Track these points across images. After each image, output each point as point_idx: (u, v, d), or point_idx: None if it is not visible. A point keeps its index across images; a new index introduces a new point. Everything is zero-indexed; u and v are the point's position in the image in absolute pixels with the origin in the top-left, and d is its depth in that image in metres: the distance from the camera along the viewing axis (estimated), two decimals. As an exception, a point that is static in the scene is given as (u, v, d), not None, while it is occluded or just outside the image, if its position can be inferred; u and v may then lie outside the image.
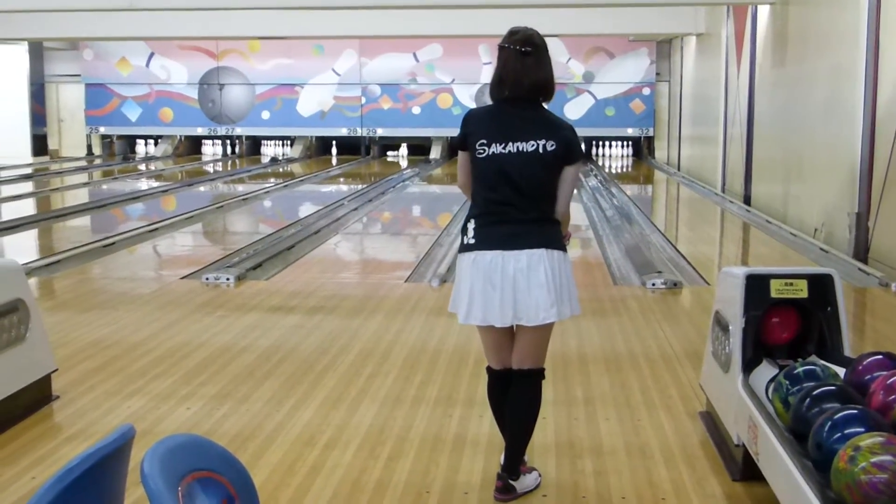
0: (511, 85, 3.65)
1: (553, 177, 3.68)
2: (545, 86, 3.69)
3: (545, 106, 3.75)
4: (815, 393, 3.26)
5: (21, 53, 25.01)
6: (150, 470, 1.81)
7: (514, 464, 3.78)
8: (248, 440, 4.42)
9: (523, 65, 3.64)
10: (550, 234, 3.68)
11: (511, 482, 3.76)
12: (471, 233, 3.70)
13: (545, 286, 3.60)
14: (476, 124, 3.73)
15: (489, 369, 3.94)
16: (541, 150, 3.61)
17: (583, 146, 23.79)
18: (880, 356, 3.52)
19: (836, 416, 3.00)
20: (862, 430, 2.90)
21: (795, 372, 3.52)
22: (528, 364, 3.79)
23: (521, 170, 3.61)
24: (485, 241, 3.66)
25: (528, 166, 3.61)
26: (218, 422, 4.70)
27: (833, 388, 3.30)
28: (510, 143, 3.62)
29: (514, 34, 3.70)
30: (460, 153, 3.79)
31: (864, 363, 3.50)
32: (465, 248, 3.72)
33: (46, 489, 1.73)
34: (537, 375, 3.83)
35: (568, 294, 3.69)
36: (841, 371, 3.63)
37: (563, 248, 3.72)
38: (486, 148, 3.65)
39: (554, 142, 3.62)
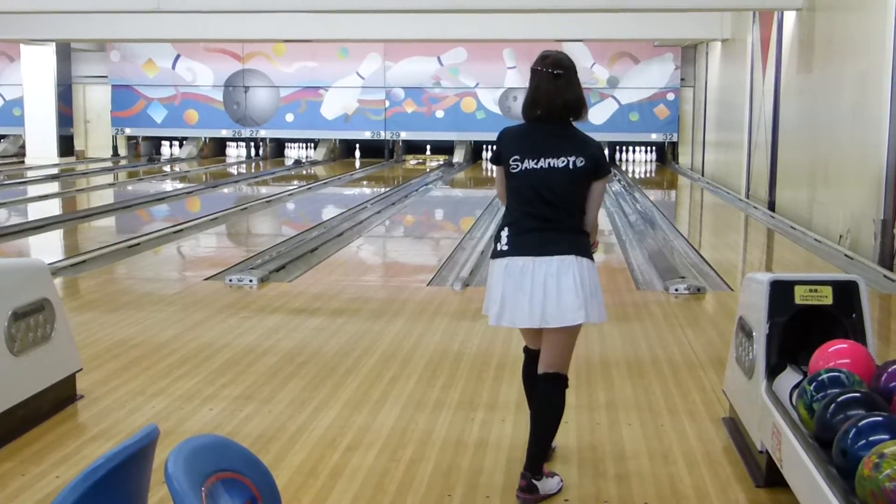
0: (544, 105, 3.86)
1: (582, 190, 3.87)
2: (576, 106, 3.89)
3: (576, 125, 3.95)
4: (839, 399, 3.24)
5: (48, 54, 25.18)
6: (174, 470, 1.82)
7: (536, 463, 3.86)
8: (271, 441, 4.43)
9: (555, 86, 3.85)
10: (579, 242, 3.86)
11: (534, 482, 3.83)
12: (504, 240, 3.89)
13: (573, 290, 3.77)
14: (509, 142, 3.94)
15: (526, 349, 4.19)
16: (571, 167, 3.82)
17: (606, 151, 24.07)
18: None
19: (861, 423, 2.98)
20: (887, 437, 2.88)
21: (820, 378, 3.50)
22: (554, 369, 3.91)
23: (552, 184, 3.82)
24: (517, 248, 3.84)
25: (558, 181, 3.82)
26: (241, 423, 4.71)
27: (858, 394, 3.28)
28: (542, 160, 3.83)
29: (545, 58, 3.92)
30: (496, 168, 4.03)
31: (890, 370, 3.47)
32: (497, 254, 3.91)
33: (71, 488, 1.74)
34: (562, 381, 3.94)
35: (595, 300, 3.84)
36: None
37: (591, 256, 3.89)
38: (518, 163, 3.86)
39: (583, 158, 3.83)
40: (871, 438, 2.90)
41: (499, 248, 3.90)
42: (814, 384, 3.49)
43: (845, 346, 3.70)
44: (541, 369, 3.92)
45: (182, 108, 26.27)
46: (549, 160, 3.81)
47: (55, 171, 21.79)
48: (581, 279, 3.77)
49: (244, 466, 2.02)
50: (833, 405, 3.24)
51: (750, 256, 11.76)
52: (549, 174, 3.80)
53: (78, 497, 1.74)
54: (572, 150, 3.82)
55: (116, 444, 1.84)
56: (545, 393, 3.90)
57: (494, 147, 4.02)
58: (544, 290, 3.76)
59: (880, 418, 3.01)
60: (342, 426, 4.65)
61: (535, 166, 3.82)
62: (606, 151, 24.61)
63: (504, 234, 3.89)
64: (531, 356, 4.12)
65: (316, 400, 5.06)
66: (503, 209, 4.00)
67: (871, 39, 9.93)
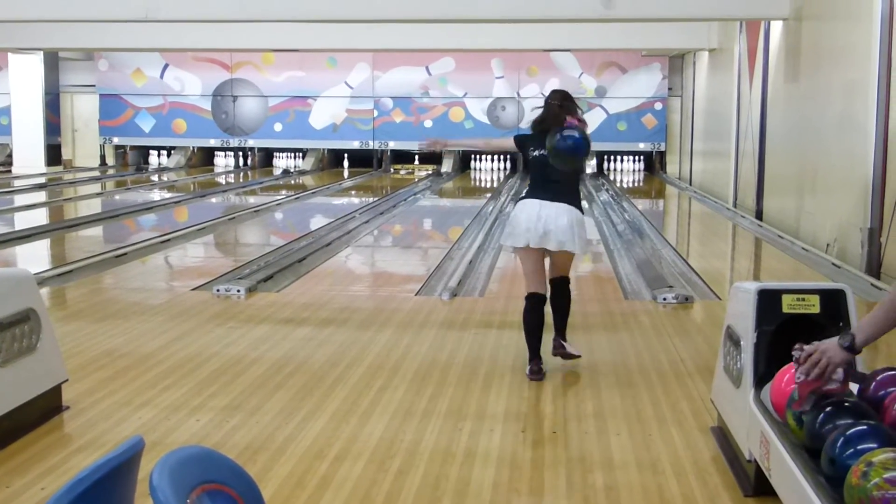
0: (549, 123, 5.87)
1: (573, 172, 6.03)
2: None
3: None
4: (828, 409, 3.24)
5: (36, 63, 25.14)
6: (159, 482, 1.81)
7: (562, 331, 5.92)
8: (258, 452, 4.42)
9: (558, 112, 5.86)
10: (574, 201, 5.85)
11: (563, 342, 5.86)
12: (524, 192, 5.99)
13: (566, 228, 5.70)
14: (526, 138, 6.05)
15: (528, 296, 5.86)
16: None
17: (595, 161, 24.11)
18: (894, 372, 3.49)
19: (850, 432, 2.98)
20: (875, 445, 2.88)
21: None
22: (560, 273, 5.97)
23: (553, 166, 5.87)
24: (532, 196, 5.86)
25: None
26: (228, 433, 4.69)
27: (846, 403, 3.28)
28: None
29: (554, 94, 6.01)
30: (519, 149, 6.13)
31: (879, 378, 3.47)
32: (519, 199, 5.97)
33: (55, 500, 1.73)
34: (567, 281, 5.99)
35: (581, 239, 5.79)
36: (854, 386, 3.60)
37: (581, 210, 5.87)
38: (533, 151, 5.91)
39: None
40: (859, 447, 2.90)
41: (521, 197, 5.94)
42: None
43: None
44: (551, 276, 5.95)
45: (170, 118, 26.24)
46: None
47: (42, 180, 21.74)
48: (571, 222, 5.71)
49: (230, 478, 2.01)
50: (822, 414, 3.24)
51: (737, 265, 11.79)
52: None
53: (62, 509, 1.73)
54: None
55: (102, 456, 1.83)
56: (559, 290, 5.93)
57: (518, 141, 6.12)
58: (545, 223, 5.68)
59: (868, 427, 3.01)
60: (330, 437, 4.64)
61: (544, 153, 5.81)
62: (594, 161, 24.71)
63: (525, 189, 6.04)
64: (534, 302, 5.83)
65: (303, 410, 5.04)
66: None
67: (857, 49, 9.98)
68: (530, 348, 5.74)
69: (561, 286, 5.94)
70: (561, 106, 5.82)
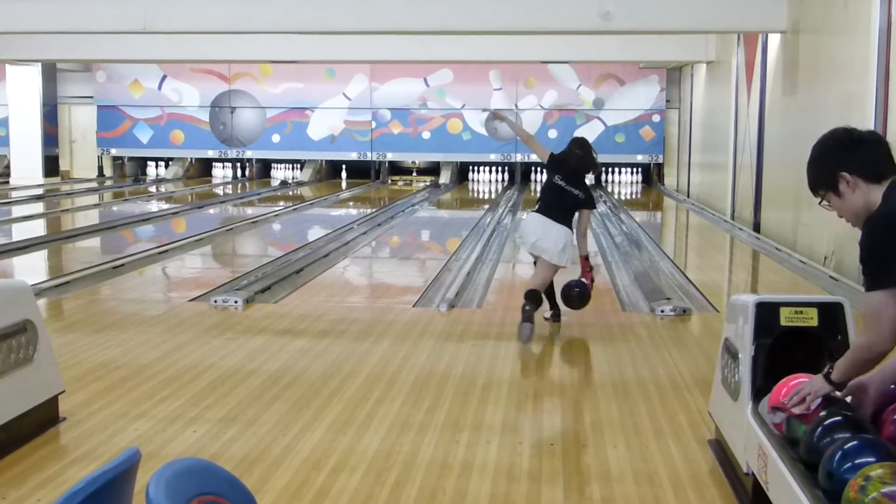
0: (570, 163, 7.39)
1: (577, 209, 7.36)
2: (586, 168, 7.52)
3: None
4: (826, 422, 3.24)
5: (34, 74, 25.14)
6: (155, 494, 1.81)
7: (553, 301, 7.54)
8: (255, 464, 4.41)
9: (578, 158, 7.41)
10: (568, 223, 7.24)
11: (557, 310, 7.56)
12: (537, 206, 7.38)
13: (556, 243, 7.15)
14: (558, 164, 7.42)
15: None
16: (576, 194, 7.31)
17: (592, 174, 24.09)
18: (892, 386, 3.49)
19: (847, 446, 2.98)
20: (873, 459, 2.87)
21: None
22: (532, 285, 7.22)
23: (565, 197, 7.32)
24: (541, 211, 7.28)
25: (569, 198, 7.31)
26: (224, 445, 4.68)
27: (844, 417, 3.28)
28: (566, 184, 7.33)
29: (572, 141, 7.55)
30: (546, 166, 7.58)
31: (876, 393, 3.47)
32: (533, 211, 7.42)
33: (51, 511, 1.73)
34: (538, 293, 7.18)
35: (566, 254, 7.20)
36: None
37: (570, 229, 7.25)
38: (556, 178, 7.33)
39: (583, 194, 7.35)
40: (857, 461, 2.90)
41: (534, 209, 7.43)
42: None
43: (806, 379, 3.69)
44: (530, 286, 7.22)
45: (168, 129, 26.24)
46: (570, 188, 7.30)
47: (40, 191, 21.73)
48: (562, 240, 7.16)
49: (227, 490, 2.00)
50: (819, 428, 3.24)
51: (735, 278, 11.79)
52: (567, 193, 7.31)
53: (58, 521, 1.72)
54: (581, 188, 7.34)
55: (98, 467, 1.82)
56: (532, 297, 7.04)
57: (552, 158, 7.50)
58: (541, 235, 7.16)
59: (866, 440, 3.01)
60: (327, 448, 4.63)
61: (564, 186, 7.31)
62: (593, 175, 24.65)
63: (539, 205, 7.38)
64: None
65: (300, 422, 5.03)
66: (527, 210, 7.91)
67: (855, 62, 10.00)
68: (547, 299, 7.46)
69: (531, 296, 7.04)
70: (576, 153, 7.40)
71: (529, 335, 6.88)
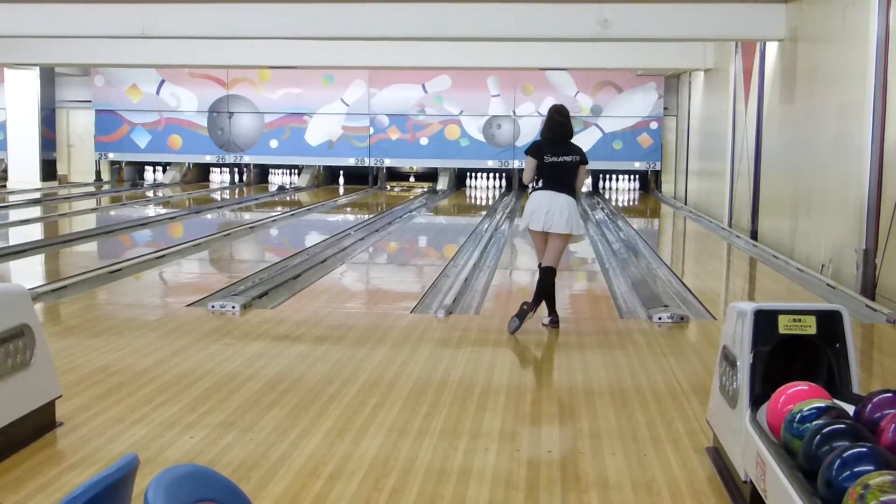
0: (555, 132, 7.67)
1: (576, 173, 7.62)
2: (569, 133, 7.72)
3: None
4: (825, 430, 3.24)
5: (32, 78, 25.15)
6: (154, 500, 1.80)
7: (552, 307, 7.61)
8: (253, 470, 4.40)
9: (560, 124, 7.68)
10: (573, 195, 7.55)
11: (556, 317, 7.61)
12: (539, 185, 7.59)
13: (565, 215, 7.42)
14: (540, 145, 7.66)
15: (539, 265, 7.63)
16: (569, 160, 7.58)
17: (590, 180, 24.15)
18: (891, 394, 3.49)
19: (846, 454, 2.98)
20: (872, 468, 2.87)
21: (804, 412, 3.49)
22: (549, 262, 7.51)
23: (561, 168, 7.58)
24: (544, 189, 7.54)
25: (565, 167, 7.59)
26: (222, 451, 4.67)
27: (843, 425, 3.28)
28: (559, 157, 7.58)
29: (551, 109, 7.79)
30: (529, 158, 7.62)
31: (875, 400, 3.47)
32: (533, 190, 7.66)
33: (50, 517, 1.72)
34: (553, 271, 7.51)
35: (577, 224, 7.50)
36: (850, 408, 3.60)
37: (577, 201, 7.59)
38: (547, 157, 7.55)
39: (576, 156, 7.60)
40: (856, 469, 2.90)
41: (533, 188, 7.65)
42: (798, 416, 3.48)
43: (805, 388, 3.69)
44: (545, 263, 7.53)
45: (166, 134, 26.24)
46: (562, 157, 7.56)
47: (38, 195, 21.71)
48: (570, 211, 7.44)
49: (225, 495, 2.00)
50: (818, 436, 3.24)
51: (733, 285, 11.80)
52: (561, 163, 7.55)
53: (56, 527, 1.72)
54: (571, 152, 7.61)
55: (96, 473, 1.82)
56: (547, 273, 7.48)
57: (531, 149, 7.64)
58: (549, 210, 7.40)
59: (865, 449, 3.01)
60: (324, 454, 4.62)
61: (556, 159, 7.55)
62: (589, 180, 24.72)
63: (539, 185, 7.59)
64: (544, 269, 7.54)
65: (298, 428, 5.02)
66: (526, 190, 8.61)
67: (853, 70, 10.01)
68: (547, 304, 7.58)
69: (547, 272, 7.49)
70: (559, 119, 7.64)
71: (515, 329, 7.33)
